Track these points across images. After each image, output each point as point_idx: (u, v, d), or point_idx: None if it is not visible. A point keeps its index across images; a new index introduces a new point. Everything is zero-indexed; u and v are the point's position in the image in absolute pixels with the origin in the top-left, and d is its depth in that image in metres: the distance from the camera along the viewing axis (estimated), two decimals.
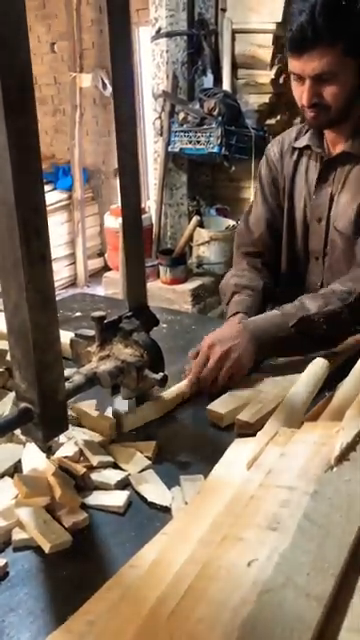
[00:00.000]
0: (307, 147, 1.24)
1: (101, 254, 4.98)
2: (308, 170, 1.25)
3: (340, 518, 0.47)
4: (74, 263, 4.74)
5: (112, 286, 3.30)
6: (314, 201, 1.23)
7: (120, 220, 0.93)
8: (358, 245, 1.16)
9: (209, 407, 0.92)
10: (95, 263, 4.91)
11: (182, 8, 2.70)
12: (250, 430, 0.76)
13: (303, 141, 1.25)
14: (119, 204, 0.92)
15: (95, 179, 4.96)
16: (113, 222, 3.43)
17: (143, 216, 3.28)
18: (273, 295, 1.28)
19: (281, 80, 2.91)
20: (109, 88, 4.49)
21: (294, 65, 1.07)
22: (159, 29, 2.71)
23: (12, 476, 0.78)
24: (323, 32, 1.00)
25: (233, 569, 0.42)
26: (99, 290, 4.18)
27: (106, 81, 4.48)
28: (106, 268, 4.67)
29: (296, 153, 1.27)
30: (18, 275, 0.65)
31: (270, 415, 0.74)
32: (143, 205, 3.58)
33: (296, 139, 1.27)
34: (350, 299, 1.07)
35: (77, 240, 4.66)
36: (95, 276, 4.79)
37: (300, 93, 1.10)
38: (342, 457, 0.54)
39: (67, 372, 0.94)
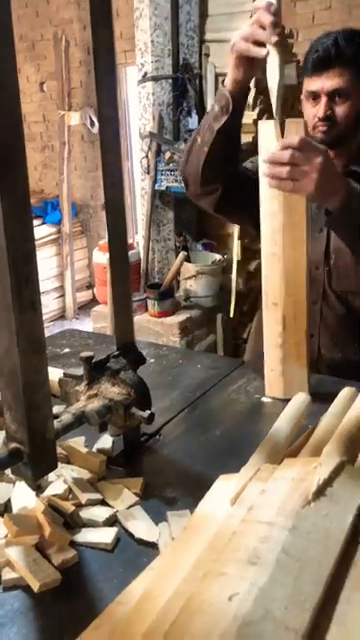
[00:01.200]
0: None
1: (90, 286, 5.03)
2: None
3: (317, 552, 0.50)
4: (63, 295, 4.78)
5: (101, 320, 3.33)
6: (315, 214, 1.28)
7: (107, 256, 0.97)
8: None
9: None
10: (84, 295, 4.95)
11: (167, 54, 2.82)
12: None
13: None
14: (107, 240, 0.96)
15: (83, 213, 5.05)
16: (101, 258, 3.49)
17: (132, 252, 3.37)
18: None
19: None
20: (97, 125, 4.62)
21: (314, 82, 1.22)
22: (145, 73, 2.83)
23: (2, 515, 0.80)
24: (344, 53, 1.19)
25: (215, 603, 0.44)
26: (87, 322, 4.21)
27: (94, 119, 4.62)
28: (95, 300, 4.71)
29: None
30: (9, 321, 0.68)
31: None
32: (132, 241, 3.64)
33: None
34: None
35: (66, 273, 4.71)
36: (84, 308, 4.83)
37: (315, 110, 1.23)
38: (319, 493, 0.56)
39: (56, 410, 0.96)
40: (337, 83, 1.20)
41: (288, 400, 0.93)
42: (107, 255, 3.36)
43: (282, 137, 1.03)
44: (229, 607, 0.44)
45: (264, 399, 1.15)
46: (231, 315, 2.85)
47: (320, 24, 3.60)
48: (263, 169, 1.03)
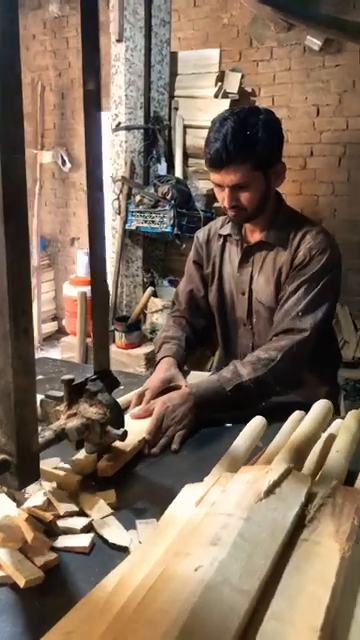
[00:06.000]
0: (229, 235, 1.50)
1: (55, 318, 5.09)
2: (231, 253, 1.51)
3: (266, 537, 0.61)
4: None
5: (68, 350, 3.40)
6: (237, 278, 1.48)
7: (79, 289, 1.08)
8: (276, 316, 1.38)
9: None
10: (49, 327, 5.00)
11: (139, 107, 3.04)
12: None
13: (226, 230, 1.51)
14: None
15: (52, 247, 5.15)
16: (72, 291, 3.58)
17: None
18: (193, 344, 1.56)
19: None
20: (68, 164, 4.78)
21: (214, 177, 1.33)
22: (119, 123, 3.03)
23: None
24: (233, 155, 1.26)
25: (183, 574, 0.55)
26: (53, 352, 4.25)
27: (65, 157, 4.79)
28: (60, 331, 4.76)
29: (222, 239, 1.53)
30: (6, 345, 0.77)
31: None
32: None
33: (221, 227, 1.54)
34: (270, 365, 1.28)
35: (32, 304, 4.76)
36: (48, 339, 4.87)
37: (222, 198, 1.36)
38: (269, 492, 0.68)
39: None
40: (234, 180, 1.28)
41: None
42: (78, 289, 3.44)
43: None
44: (195, 576, 0.54)
45: (226, 424, 1.27)
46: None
47: (281, 82, 3.93)
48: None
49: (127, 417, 1.23)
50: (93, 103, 0.98)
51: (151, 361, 2.99)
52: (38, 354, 4.56)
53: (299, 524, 0.66)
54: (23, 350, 0.79)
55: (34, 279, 4.74)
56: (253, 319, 1.48)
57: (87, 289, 3.20)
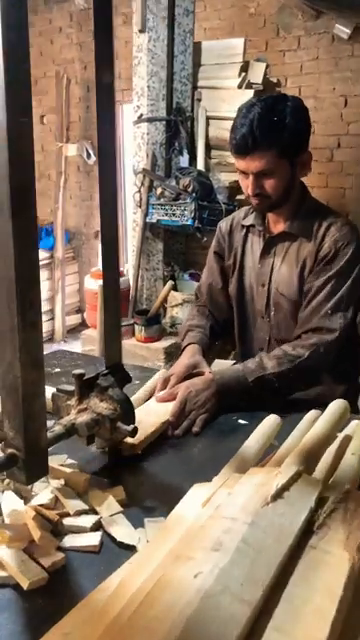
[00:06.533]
0: (252, 225, 1.47)
1: (79, 311, 5.12)
2: (253, 244, 1.48)
3: (271, 543, 0.59)
4: (53, 319, 4.86)
5: (90, 343, 3.41)
6: (258, 270, 1.45)
7: (99, 282, 1.08)
8: (302, 312, 1.35)
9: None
10: (73, 319, 5.03)
11: (162, 98, 3.01)
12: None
13: (249, 220, 1.49)
14: (99, 267, 1.07)
15: (76, 240, 5.18)
16: (93, 284, 3.59)
17: (121, 279, 3.47)
18: (217, 333, 1.58)
19: None
20: (92, 157, 4.79)
21: (239, 164, 1.32)
22: (141, 115, 3.00)
23: None
24: (259, 140, 1.25)
25: (182, 580, 0.53)
26: (76, 345, 4.28)
27: (90, 151, 4.80)
28: (83, 324, 4.79)
29: (244, 230, 1.50)
30: (13, 339, 0.76)
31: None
32: (122, 269, 3.76)
33: (244, 218, 1.51)
34: (297, 362, 1.27)
35: (57, 297, 4.80)
36: (72, 332, 4.91)
37: (246, 185, 1.34)
38: (277, 495, 0.65)
39: (48, 423, 1.04)
40: (259, 166, 1.28)
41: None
42: (98, 282, 3.45)
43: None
44: (194, 583, 0.52)
45: (240, 421, 1.24)
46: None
47: (308, 73, 3.84)
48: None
49: (152, 400, 1.27)
50: (106, 98, 0.96)
51: (170, 355, 2.97)
52: (61, 346, 4.60)
53: (308, 530, 0.63)
54: (31, 344, 0.78)
55: (58, 272, 4.78)
56: (271, 311, 1.46)
57: None
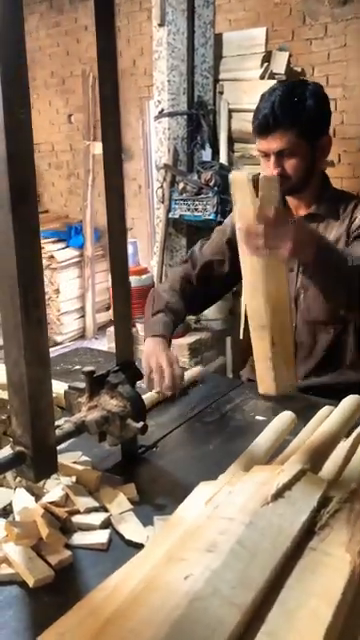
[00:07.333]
0: None
1: (109, 308, 5.17)
2: None
3: (268, 545, 0.57)
4: (83, 316, 4.92)
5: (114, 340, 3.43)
6: None
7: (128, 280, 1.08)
8: None
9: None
10: (103, 316, 5.08)
11: (183, 92, 2.98)
12: None
13: None
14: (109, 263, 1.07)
15: (106, 238, 5.20)
16: None
17: (145, 276, 3.47)
18: (183, 317, 1.59)
19: None
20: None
21: (261, 144, 1.34)
22: (162, 110, 2.98)
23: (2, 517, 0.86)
24: (280, 120, 1.29)
25: (172, 582, 0.52)
26: (106, 342, 4.32)
27: None
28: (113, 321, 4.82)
29: None
30: (18, 337, 0.77)
31: None
32: (147, 265, 3.77)
33: None
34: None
35: (87, 295, 4.85)
36: (103, 329, 4.95)
37: (267, 167, 1.35)
38: (278, 495, 0.64)
39: (59, 421, 1.05)
40: (280, 145, 1.31)
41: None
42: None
43: (256, 193, 1.14)
44: (183, 585, 0.51)
45: (258, 417, 1.22)
46: (241, 337, 2.93)
47: (335, 61, 3.73)
48: (240, 235, 1.17)
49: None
50: (110, 109, 0.95)
51: (195, 351, 2.96)
52: (92, 343, 4.65)
53: (310, 531, 0.61)
54: (36, 341, 0.78)
55: (88, 270, 4.83)
56: (301, 295, 1.44)
57: (133, 279, 3.20)
